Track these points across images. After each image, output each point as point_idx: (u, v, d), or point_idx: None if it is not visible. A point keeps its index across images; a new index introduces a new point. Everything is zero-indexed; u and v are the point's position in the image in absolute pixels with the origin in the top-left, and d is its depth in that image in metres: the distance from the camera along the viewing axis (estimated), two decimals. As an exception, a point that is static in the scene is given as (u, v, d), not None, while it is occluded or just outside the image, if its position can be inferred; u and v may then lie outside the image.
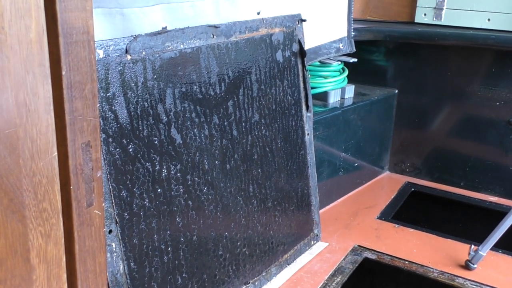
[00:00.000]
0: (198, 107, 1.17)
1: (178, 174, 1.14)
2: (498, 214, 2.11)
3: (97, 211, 0.60)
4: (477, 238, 1.81)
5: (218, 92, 1.23)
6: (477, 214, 2.19)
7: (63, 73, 0.55)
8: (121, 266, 1.02)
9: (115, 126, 0.98)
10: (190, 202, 1.18)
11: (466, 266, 1.67)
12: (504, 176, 2.20)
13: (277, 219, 1.53)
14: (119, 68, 0.97)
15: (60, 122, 0.57)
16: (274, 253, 1.54)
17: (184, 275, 1.19)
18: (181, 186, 1.15)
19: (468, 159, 2.25)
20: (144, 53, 1.01)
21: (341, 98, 2.07)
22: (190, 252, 1.20)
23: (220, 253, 1.30)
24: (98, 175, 0.60)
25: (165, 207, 1.11)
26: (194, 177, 1.18)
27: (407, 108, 2.32)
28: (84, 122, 0.56)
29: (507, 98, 2.10)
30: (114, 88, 0.96)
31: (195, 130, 1.17)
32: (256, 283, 1.47)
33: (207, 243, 1.25)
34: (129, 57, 0.97)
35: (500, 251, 1.77)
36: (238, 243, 1.37)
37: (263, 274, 1.50)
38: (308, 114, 1.62)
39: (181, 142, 1.13)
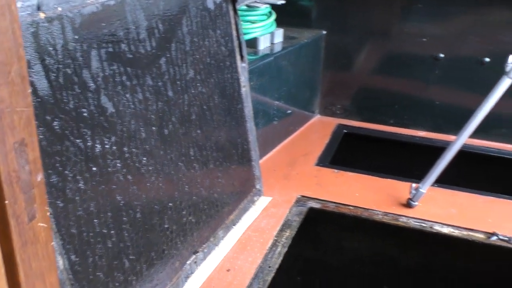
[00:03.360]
0: (128, 69, 1.01)
1: (114, 148, 0.99)
2: (428, 149, 2.17)
3: (41, 224, 0.47)
4: (411, 173, 1.84)
5: (149, 49, 1.07)
6: (408, 150, 2.22)
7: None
8: (61, 262, 0.88)
9: (34, 100, 0.81)
10: (129, 177, 1.04)
11: (408, 205, 1.69)
12: (431, 111, 2.24)
13: (220, 180, 1.43)
14: (32, 30, 0.79)
15: (-22, 117, 0.42)
16: (220, 216, 1.45)
17: (131, 257, 1.07)
18: (118, 161, 1.01)
19: (396, 96, 2.26)
20: (60, 9, 0.83)
21: (270, 43, 1.96)
22: (135, 231, 1.07)
23: (166, 226, 1.19)
24: (39, 179, 0.46)
25: (103, 186, 0.97)
26: (131, 149, 1.04)
27: (335, 50, 2.26)
28: (14, 115, 0.41)
29: (433, 33, 2.10)
30: (29, 55, 0.79)
31: (127, 95, 1.02)
32: (205, 250, 1.38)
33: (152, 218, 1.13)
34: (42, 15, 0.79)
35: (436, 185, 1.80)
36: (184, 212, 1.26)
37: (211, 239, 1.41)
38: (243, 64, 1.51)
39: (113, 111, 0.98)
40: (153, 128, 1.12)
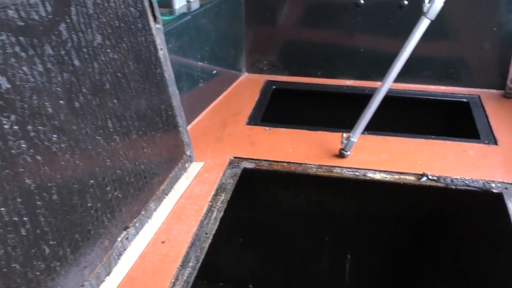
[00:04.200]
0: (21, 38, 0.91)
1: (15, 127, 0.90)
2: (357, 97, 2.18)
3: None
4: (343, 124, 1.84)
5: (44, 15, 0.97)
6: (338, 100, 2.23)
7: None
8: (-34, 259, 0.80)
9: None
10: (39, 157, 0.96)
11: (341, 155, 1.69)
12: (357, 59, 2.24)
13: (145, 150, 1.36)
14: None
15: None
16: (150, 187, 1.39)
17: (51, 242, 0.99)
18: (22, 141, 0.92)
19: (322, 47, 2.24)
20: None
21: (187, 1, 1.86)
22: (53, 215, 0.99)
23: (89, 205, 1.11)
24: None
25: (7, 171, 0.88)
26: (37, 126, 0.95)
27: (255, 4, 2.20)
28: None
29: (352, -21, 2.07)
30: None
31: (24, 68, 0.92)
32: (137, 225, 1.32)
33: (72, 199, 1.05)
34: None
35: (366, 133, 1.81)
36: (108, 188, 1.19)
37: (142, 213, 1.35)
38: (157, 26, 1.41)
39: (9, 86, 0.88)
40: (61, 101, 1.02)
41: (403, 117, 2.16)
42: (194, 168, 1.62)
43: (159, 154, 1.44)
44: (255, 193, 1.77)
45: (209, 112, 2.02)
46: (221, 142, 1.79)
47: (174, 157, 1.54)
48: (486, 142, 1.80)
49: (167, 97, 1.49)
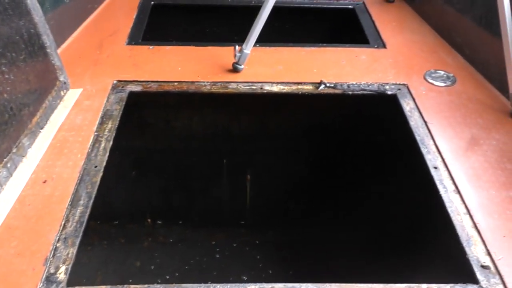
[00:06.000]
0: None
1: None
2: (242, 10, 2.05)
3: None
4: (232, 39, 1.72)
5: None
6: (226, 14, 2.07)
7: None
8: None
9: None
10: None
11: (235, 69, 1.58)
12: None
13: (7, 76, 1.13)
14: None
15: None
16: (20, 120, 1.17)
17: None
18: None
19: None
20: None
21: None
22: None
23: None
24: None
25: None
26: None
27: None
28: None
29: None
30: None
31: None
32: (9, 165, 1.11)
33: None
34: None
35: (258, 45, 1.70)
36: (-36, 124, 0.96)
37: (14, 150, 1.14)
38: None
39: None
40: None
41: (293, 28, 2.09)
42: (71, 96, 1.41)
43: (26, 80, 1.21)
44: (145, 119, 1.60)
45: (81, 32, 1.76)
46: (100, 65, 1.58)
47: (45, 84, 1.31)
48: (375, 46, 1.79)
49: (26, 12, 1.24)
